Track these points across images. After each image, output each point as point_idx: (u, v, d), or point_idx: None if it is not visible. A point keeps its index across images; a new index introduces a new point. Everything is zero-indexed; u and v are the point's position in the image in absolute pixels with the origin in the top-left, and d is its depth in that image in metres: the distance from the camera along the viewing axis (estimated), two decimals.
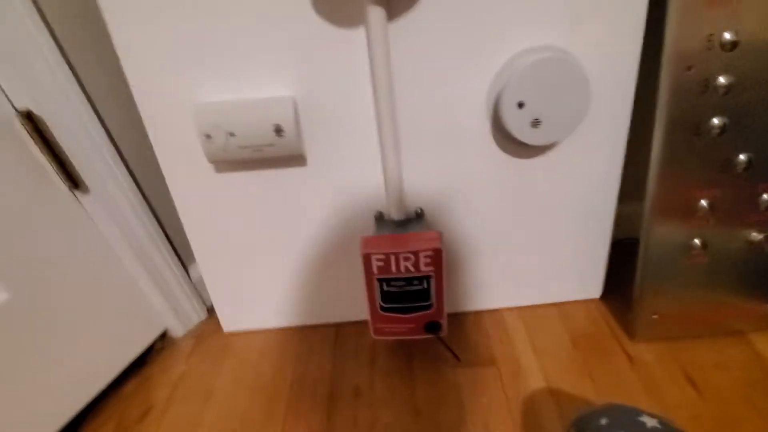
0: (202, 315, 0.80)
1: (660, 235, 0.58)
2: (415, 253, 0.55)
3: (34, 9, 0.49)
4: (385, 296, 0.58)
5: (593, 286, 0.74)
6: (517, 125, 0.54)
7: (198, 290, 0.79)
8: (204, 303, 0.81)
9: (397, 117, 0.56)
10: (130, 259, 0.65)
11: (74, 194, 0.57)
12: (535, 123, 0.54)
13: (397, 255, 0.55)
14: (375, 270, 0.56)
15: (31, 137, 0.51)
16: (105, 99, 0.59)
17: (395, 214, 0.62)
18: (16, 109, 0.50)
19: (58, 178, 0.54)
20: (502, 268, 0.71)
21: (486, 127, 0.58)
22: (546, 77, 0.51)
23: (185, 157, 0.59)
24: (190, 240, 0.66)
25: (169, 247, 0.71)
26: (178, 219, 0.64)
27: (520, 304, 0.75)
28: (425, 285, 0.57)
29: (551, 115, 0.53)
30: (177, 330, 0.76)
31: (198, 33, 0.51)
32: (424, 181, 0.62)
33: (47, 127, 0.52)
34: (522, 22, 0.51)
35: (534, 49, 0.52)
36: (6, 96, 0.49)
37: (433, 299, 0.58)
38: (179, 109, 0.56)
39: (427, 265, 0.56)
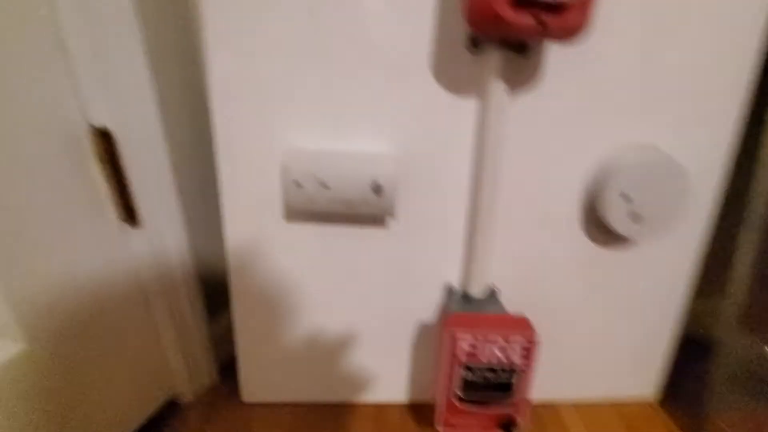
0: (215, 377, 0.69)
1: (742, 345, 0.56)
2: (508, 341, 0.50)
3: (135, 23, 0.44)
4: (467, 386, 0.51)
5: (655, 385, 0.70)
6: (618, 217, 0.52)
7: (217, 348, 0.68)
8: (220, 362, 0.70)
9: (497, 190, 0.54)
10: (160, 305, 0.56)
11: (124, 229, 0.49)
12: (636, 217, 0.53)
13: (488, 340, 0.50)
14: (461, 354, 0.50)
15: (98, 157, 0.44)
16: (179, 129, 0.53)
17: (473, 290, 0.57)
18: (90, 124, 0.43)
19: (113, 206, 0.46)
20: (562, 357, 0.67)
21: (577, 213, 0.57)
22: (653, 175, 0.51)
23: (255, 202, 0.53)
24: (232, 290, 0.58)
25: (202, 296, 0.62)
26: (215, 264, 0.57)
27: (577, 397, 0.70)
28: (511, 377, 0.51)
29: (652, 211, 0.53)
30: (186, 394, 0.64)
31: (301, 74, 0.48)
32: (503, 258, 0.59)
33: (118, 149, 0.45)
34: (628, 119, 0.52)
35: (638, 146, 0.53)
36: (84, 107, 0.42)
37: (517, 394, 0.52)
38: (265, 150, 0.51)
39: (521, 357, 0.50)
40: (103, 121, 0.43)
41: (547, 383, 0.68)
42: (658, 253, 0.60)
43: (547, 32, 0.41)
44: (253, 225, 0.55)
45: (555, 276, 0.60)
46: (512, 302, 0.61)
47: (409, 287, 0.60)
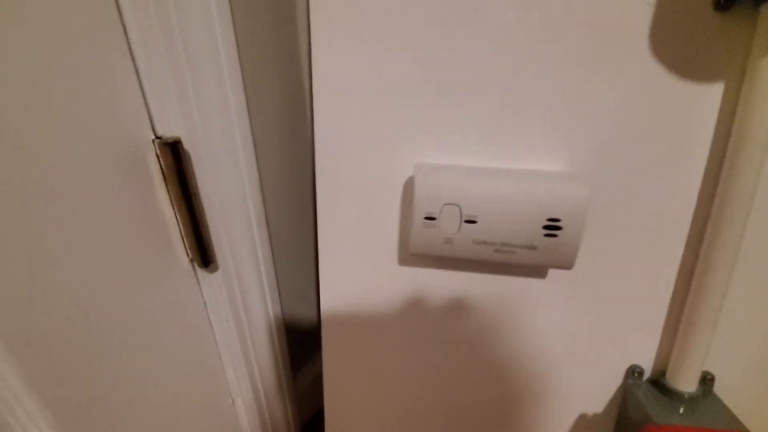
0: None
1: None
2: None
3: (228, 10, 0.32)
4: None
5: None
6: None
7: (299, 404, 0.55)
8: (301, 422, 0.57)
9: (744, 230, 0.33)
10: (237, 366, 0.43)
11: (195, 272, 0.36)
12: None
13: None
14: None
15: (165, 180, 0.31)
16: (269, 143, 0.40)
17: (679, 381, 0.37)
18: (156, 135, 0.31)
19: (183, 246, 0.34)
20: None
21: None
22: None
23: (360, 239, 0.39)
24: (325, 352, 0.44)
25: (286, 351, 0.49)
26: (295, 310, 0.43)
27: None
28: None
29: None
30: None
31: (438, 56, 0.32)
32: (726, 336, 0.38)
33: (192, 169, 0.32)
34: None
35: None
36: (149, 115, 0.30)
37: None
38: (381, 168, 0.36)
39: None
40: (174, 131, 0.31)
41: None
42: None
43: None
44: (356, 268, 0.40)
45: None
46: (736, 399, 0.39)
47: (571, 365, 0.42)
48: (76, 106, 0.26)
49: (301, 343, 0.52)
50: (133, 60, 0.29)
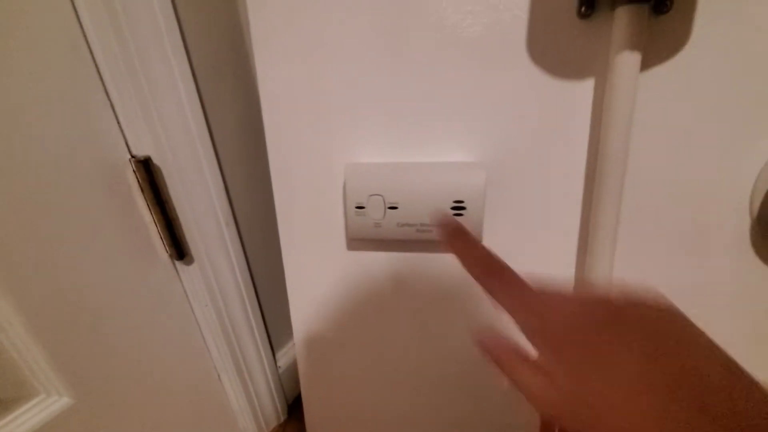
0: (282, 416, 0.63)
1: None
2: None
3: (175, 28, 0.39)
4: None
5: None
6: None
7: (282, 382, 0.62)
8: (286, 399, 0.64)
9: (621, 200, 0.40)
10: (219, 345, 0.50)
11: (174, 265, 0.44)
12: None
13: None
14: None
15: (142, 190, 0.39)
16: (230, 151, 0.47)
17: None
18: (132, 155, 0.38)
19: (161, 244, 0.41)
20: None
21: (744, 227, 0.40)
22: None
23: (314, 230, 0.46)
24: (295, 329, 0.51)
25: (264, 331, 0.56)
26: (274, 294, 0.50)
27: None
28: None
29: None
30: None
31: (363, 76, 0.39)
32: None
33: (164, 180, 0.40)
34: None
35: None
36: (124, 138, 0.38)
37: None
38: (323, 168, 0.43)
39: None
40: (145, 149, 0.39)
41: None
42: None
43: None
44: (313, 254, 0.47)
45: (719, 310, 0.44)
46: None
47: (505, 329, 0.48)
48: (67, 137, 0.34)
49: (279, 325, 0.59)
50: (108, 98, 0.36)
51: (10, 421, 0.34)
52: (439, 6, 0.36)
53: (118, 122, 0.38)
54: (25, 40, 0.31)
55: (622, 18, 0.33)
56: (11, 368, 0.33)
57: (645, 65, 0.36)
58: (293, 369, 0.62)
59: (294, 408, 0.64)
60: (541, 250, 0.44)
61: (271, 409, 0.60)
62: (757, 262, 0.41)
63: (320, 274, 0.48)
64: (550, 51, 0.37)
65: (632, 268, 0.43)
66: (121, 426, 0.41)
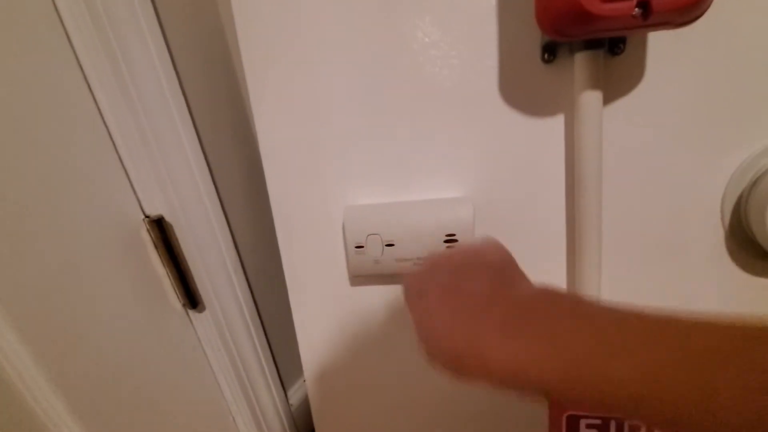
0: None
1: None
2: None
3: (181, 99, 0.43)
4: None
5: None
6: None
7: (295, 419, 0.63)
8: None
9: (601, 222, 0.43)
10: (233, 388, 0.52)
11: (188, 314, 0.46)
12: None
13: (620, 422, 0.38)
14: None
15: (156, 247, 0.42)
16: (236, 204, 0.50)
17: None
18: (145, 215, 0.41)
19: (174, 294, 0.44)
20: None
21: (719, 237, 0.43)
22: None
23: (318, 271, 0.49)
24: (305, 366, 0.53)
25: (275, 371, 0.58)
26: (282, 335, 0.52)
27: None
28: None
29: None
30: None
31: (355, 127, 0.43)
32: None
33: (175, 236, 0.43)
34: None
35: None
36: (138, 200, 0.41)
37: None
38: (323, 213, 0.46)
39: None
40: (158, 209, 0.42)
41: None
42: None
43: (652, 20, 0.31)
44: (318, 294, 0.50)
45: None
46: None
47: None
48: (87, 203, 0.37)
49: (289, 364, 0.61)
50: (122, 164, 0.40)
51: None
52: (416, 62, 0.41)
53: (132, 185, 0.41)
54: (55, 123, 0.34)
55: (581, 62, 0.37)
56: (30, 419, 0.35)
57: (608, 100, 0.40)
58: (305, 405, 0.63)
59: None
60: (531, 273, 0.46)
61: None
62: (734, 268, 0.44)
63: (326, 311, 0.51)
64: (520, 94, 0.41)
65: (620, 284, 0.45)
66: None
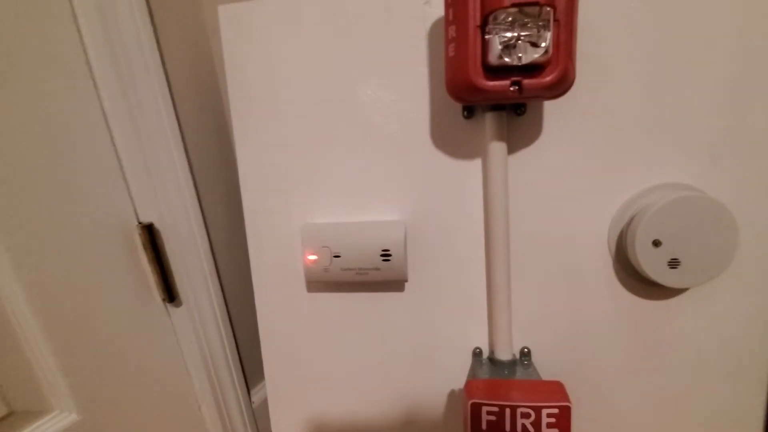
0: None
1: None
2: (537, 410, 0.45)
3: (177, 130, 0.54)
4: None
5: None
6: (652, 264, 0.48)
7: (256, 418, 0.70)
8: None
9: (509, 247, 0.52)
10: (200, 378, 0.59)
11: (166, 307, 0.55)
12: (674, 263, 0.48)
13: (513, 409, 0.46)
14: (484, 425, 0.47)
15: (145, 248, 0.51)
16: (218, 219, 0.60)
17: (500, 353, 0.54)
18: (139, 221, 0.51)
19: (157, 289, 0.52)
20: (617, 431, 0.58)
21: (608, 263, 0.53)
22: (687, 216, 0.46)
23: (280, 277, 0.57)
24: (265, 361, 0.61)
25: (240, 368, 0.65)
26: (250, 338, 0.60)
27: None
28: None
29: (692, 256, 0.47)
30: None
31: (312, 160, 0.54)
32: (534, 318, 0.55)
33: (162, 240, 0.52)
34: (644, 160, 0.49)
35: (665, 186, 0.49)
36: (134, 209, 0.51)
37: None
38: (286, 229, 0.56)
39: (550, 426, 0.45)
40: (150, 217, 0.52)
41: None
42: (715, 304, 0.52)
43: (526, 94, 0.42)
44: (280, 297, 0.58)
45: (593, 332, 0.55)
46: (547, 365, 0.56)
47: (436, 352, 0.58)
48: (97, 207, 0.47)
49: (254, 366, 0.68)
50: (125, 180, 0.50)
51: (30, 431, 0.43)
52: (364, 112, 0.52)
53: (131, 196, 0.51)
54: (80, 146, 0.45)
55: (490, 120, 0.48)
56: (36, 385, 0.43)
57: (513, 150, 0.51)
58: (266, 407, 0.69)
59: None
60: (455, 284, 0.55)
61: None
62: (622, 290, 0.53)
63: (286, 312, 0.59)
64: (446, 141, 0.52)
65: (529, 299, 0.54)
66: None
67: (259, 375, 0.70)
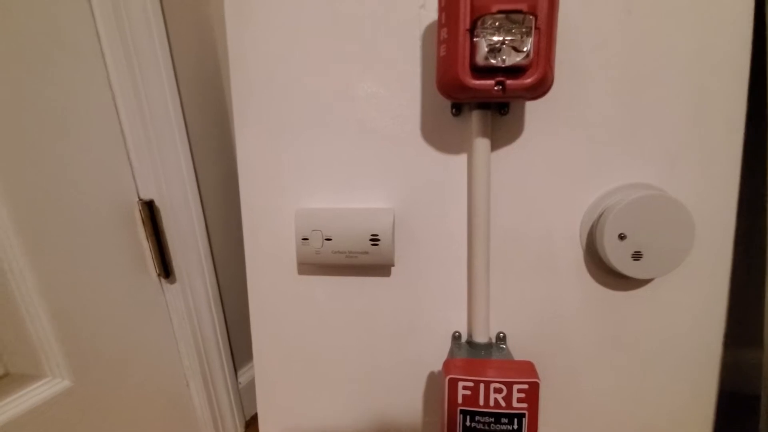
0: (239, 429, 0.72)
1: None
2: (509, 385, 0.49)
3: (180, 113, 0.56)
4: None
5: None
6: (618, 256, 0.52)
7: (242, 398, 0.72)
8: (244, 416, 0.73)
9: (489, 238, 0.56)
10: (190, 355, 0.61)
11: (161, 283, 0.57)
12: (637, 255, 0.52)
13: (487, 384, 0.50)
14: (460, 399, 0.50)
15: (144, 224, 0.53)
16: (215, 200, 0.63)
17: (478, 336, 0.57)
18: (140, 198, 0.53)
19: (153, 265, 0.55)
20: (583, 413, 0.62)
21: (579, 256, 0.57)
22: (649, 212, 0.51)
23: (273, 259, 0.60)
24: (254, 341, 0.63)
25: (228, 348, 0.67)
26: (239, 320, 0.62)
27: None
28: (516, 425, 0.50)
29: (653, 249, 0.52)
30: None
31: (309, 148, 0.57)
32: (510, 305, 0.59)
33: (161, 217, 0.54)
34: (616, 159, 0.54)
35: (631, 186, 0.54)
36: (136, 186, 0.53)
37: None
38: (280, 213, 0.58)
39: (520, 401, 0.49)
40: (150, 194, 0.54)
41: None
42: (674, 294, 0.57)
43: (508, 94, 0.46)
44: (271, 279, 0.61)
45: (565, 319, 0.59)
46: (522, 349, 0.60)
47: (417, 334, 0.62)
48: (102, 184, 0.49)
49: (243, 347, 0.70)
50: (129, 159, 0.52)
51: (23, 394, 0.44)
52: (360, 106, 0.55)
53: (133, 174, 0.53)
54: (92, 128, 0.47)
55: (475, 118, 0.52)
56: (32, 350, 0.45)
57: (497, 146, 0.55)
58: (252, 389, 0.72)
59: (251, 424, 0.73)
60: (437, 271, 0.59)
61: (231, 423, 0.70)
62: (591, 281, 0.58)
63: (276, 294, 0.62)
64: (435, 135, 0.56)
65: (507, 285, 0.58)
66: (104, 411, 0.51)
67: (247, 356, 0.72)
